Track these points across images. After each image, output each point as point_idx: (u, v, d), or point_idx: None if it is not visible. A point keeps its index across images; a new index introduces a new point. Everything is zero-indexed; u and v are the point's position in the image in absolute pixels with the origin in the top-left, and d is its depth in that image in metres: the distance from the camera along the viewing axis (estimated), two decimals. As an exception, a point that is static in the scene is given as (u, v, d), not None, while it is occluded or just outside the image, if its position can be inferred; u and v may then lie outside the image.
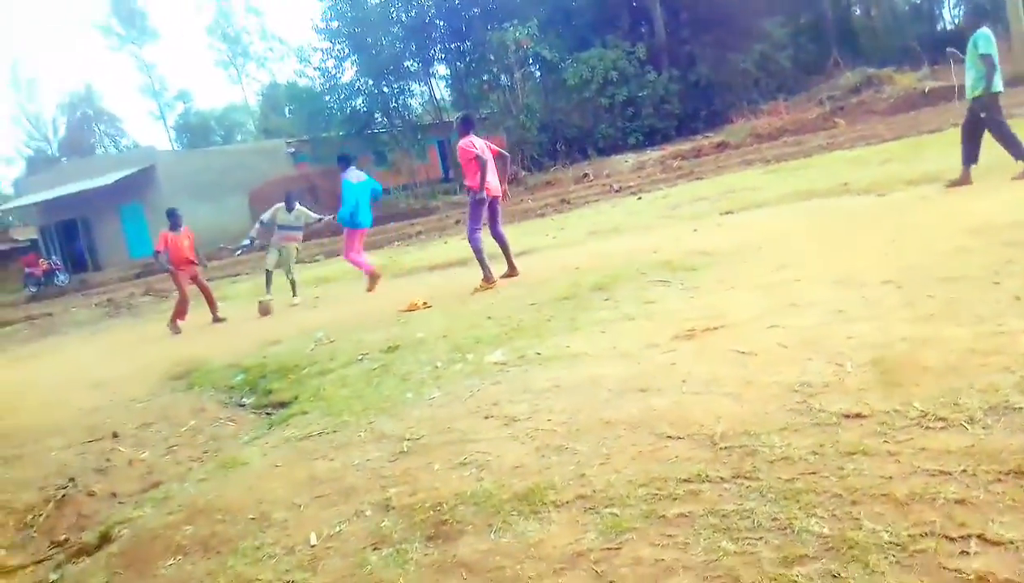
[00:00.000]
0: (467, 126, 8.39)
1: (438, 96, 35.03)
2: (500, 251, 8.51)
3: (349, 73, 31.46)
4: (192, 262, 10.64)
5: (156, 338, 10.58)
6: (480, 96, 30.50)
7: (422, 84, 33.86)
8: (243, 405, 5.83)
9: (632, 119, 27.58)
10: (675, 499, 2.65)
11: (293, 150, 35.36)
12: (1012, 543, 2.06)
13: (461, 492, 3.06)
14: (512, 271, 8.50)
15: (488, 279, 8.13)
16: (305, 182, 27.52)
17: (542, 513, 2.76)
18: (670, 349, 4.41)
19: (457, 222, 20.03)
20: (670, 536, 2.43)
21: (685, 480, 2.76)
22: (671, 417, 3.35)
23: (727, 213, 10.32)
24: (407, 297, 8.29)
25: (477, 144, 8.16)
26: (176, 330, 10.54)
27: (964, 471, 2.41)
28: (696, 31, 28.81)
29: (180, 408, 5.88)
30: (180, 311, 10.68)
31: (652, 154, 24.11)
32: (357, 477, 3.50)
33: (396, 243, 18.53)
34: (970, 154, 8.23)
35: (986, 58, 8.01)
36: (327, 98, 32.02)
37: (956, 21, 36.42)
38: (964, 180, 8.21)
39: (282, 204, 10.87)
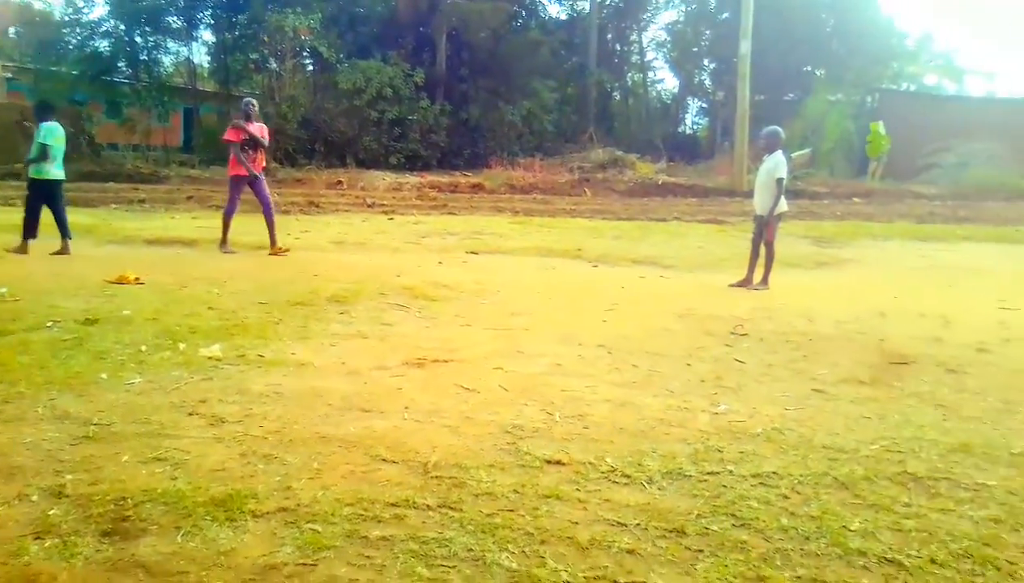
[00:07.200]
0: None
1: (197, 61, 32.42)
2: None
3: (99, 11, 28.08)
4: None
5: None
6: (244, 74, 28.71)
7: (182, 44, 31.13)
8: None
9: (398, 139, 27.67)
10: (379, 522, 2.66)
11: (11, 76, 30.52)
12: (665, 591, 2.35)
13: (150, 489, 2.81)
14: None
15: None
16: (16, 114, 23.77)
17: (238, 521, 2.62)
18: (398, 374, 4.46)
19: (190, 198, 18.51)
20: (368, 558, 2.43)
21: (392, 504, 2.79)
22: (389, 441, 3.38)
23: (472, 253, 10.71)
24: (117, 268, 7.48)
25: None
26: None
27: (638, 525, 2.71)
28: (474, 73, 29.85)
29: None
30: None
31: (411, 178, 24.32)
32: (27, 457, 3.07)
33: (113, 206, 16.58)
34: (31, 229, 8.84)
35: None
36: (65, 31, 28.19)
37: (695, 129, 41.77)
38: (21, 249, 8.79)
39: None
